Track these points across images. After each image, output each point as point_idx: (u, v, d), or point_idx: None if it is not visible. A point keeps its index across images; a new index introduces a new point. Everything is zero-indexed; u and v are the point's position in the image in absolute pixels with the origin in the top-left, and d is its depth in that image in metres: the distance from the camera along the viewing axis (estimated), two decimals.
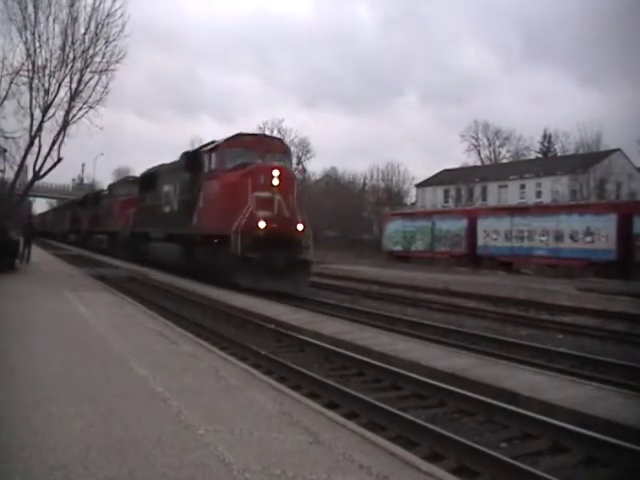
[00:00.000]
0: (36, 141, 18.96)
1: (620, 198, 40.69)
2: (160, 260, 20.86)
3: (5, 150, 19.83)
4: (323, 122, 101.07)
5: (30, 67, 18.39)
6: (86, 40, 18.74)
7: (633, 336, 10.49)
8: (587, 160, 46.31)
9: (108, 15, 18.56)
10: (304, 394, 5.72)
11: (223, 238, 14.79)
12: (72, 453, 3.50)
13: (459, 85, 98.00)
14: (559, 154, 61.64)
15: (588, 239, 25.28)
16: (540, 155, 64.32)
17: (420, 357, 7.28)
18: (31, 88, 18.49)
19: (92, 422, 4.10)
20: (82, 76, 18.84)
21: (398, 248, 38.21)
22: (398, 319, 11.51)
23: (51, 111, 18.84)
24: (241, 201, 14.50)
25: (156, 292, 15.60)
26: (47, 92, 18.69)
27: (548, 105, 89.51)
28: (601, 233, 24.68)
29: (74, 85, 18.87)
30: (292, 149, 32.25)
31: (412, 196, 63.71)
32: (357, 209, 57.24)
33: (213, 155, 16.64)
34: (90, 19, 18.66)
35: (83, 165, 75.72)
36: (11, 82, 18.48)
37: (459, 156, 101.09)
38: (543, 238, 27.63)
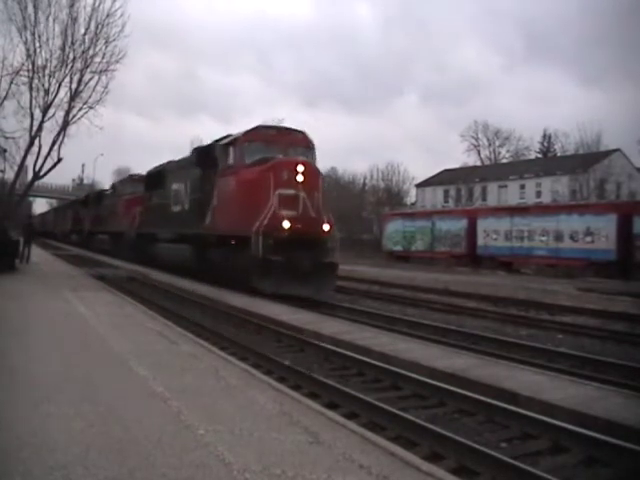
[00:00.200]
0: (36, 141, 18.98)
1: (620, 198, 40.69)
2: (169, 262, 19.83)
3: (5, 150, 19.85)
4: (323, 122, 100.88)
5: (30, 67, 18.42)
6: (86, 40, 18.77)
7: (633, 336, 10.49)
8: (587, 160, 46.32)
9: (108, 15, 18.59)
10: (304, 394, 5.72)
11: (241, 239, 13.78)
12: (72, 453, 3.50)
13: (459, 85, 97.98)
14: (559, 154, 61.64)
15: (588, 239, 25.28)
16: (540, 155, 64.31)
17: (420, 357, 7.28)
18: (31, 88, 18.52)
19: (92, 422, 4.10)
20: (82, 76, 18.87)
21: (398, 248, 38.21)
22: (398, 319, 11.51)
23: (51, 111, 18.87)
24: (262, 199, 13.34)
25: (156, 292, 15.61)
26: (47, 92, 18.71)
27: (548, 105, 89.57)
28: (601, 233, 24.68)
29: (74, 85, 18.90)
30: None
31: (412, 196, 63.75)
32: (357, 209, 57.22)
33: (230, 149, 15.30)
34: (90, 19, 18.69)
35: (83, 165, 75.77)
36: (11, 82, 18.51)
37: (459, 156, 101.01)
38: (543, 238, 27.62)
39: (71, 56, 18.73)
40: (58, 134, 18.93)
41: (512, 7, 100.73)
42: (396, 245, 38.60)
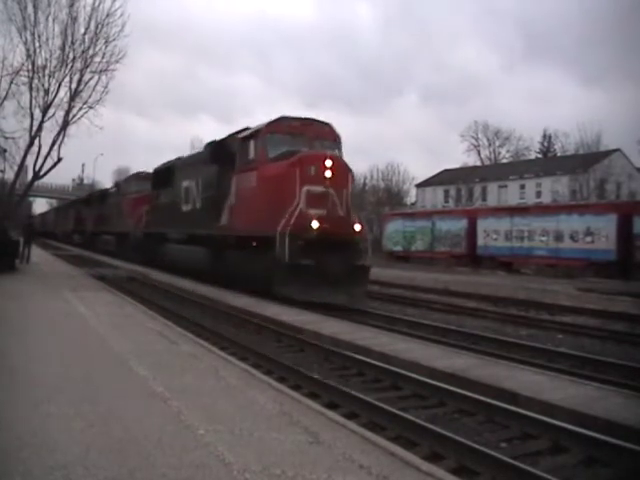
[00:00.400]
0: (36, 141, 19.01)
1: (620, 198, 40.69)
2: (180, 264, 18.66)
3: (5, 150, 19.87)
4: None
5: (30, 67, 18.44)
6: (86, 40, 18.80)
7: (633, 336, 10.49)
8: (587, 160, 46.31)
9: (108, 15, 18.62)
10: (304, 394, 5.72)
11: (264, 240, 12.66)
12: (72, 453, 3.50)
13: (459, 85, 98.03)
14: (559, 154, 61.66)
15: (588, 239, 25.27)
16: (540, 155, 64.33)
17: (420, 357, 7.28)
18: (31, 88, 18.53)
19: (92, 422, 4.10)
20: (82, 76, 18.89)
21: (398, 248, 38.19)
22: (398, 319, 11.51)
23: (51, 111, 18.89)
24: (287, 196, 12.23)
25: (156, 292, 15.61)
26: (47, 92, 18.73)
27: (548, 105, 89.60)
28: (601, 233, 24.66)
29: (74, 85, 18.92)
30: None
31: (412, 196, 63.76)
32: (357, 209, 57.17)
33: (251, 143, 14.06)
34: (90, 19, 18.72)
35: (83, 165, 75.80)
36: (11, 82, 18.53)
37: (459, 156, 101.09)
38: (543, 238, 27.61)
39: (71, 56, 18.77)
40: (58, 134, 18.97)
41: (512, 7, 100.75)
42: (396, 245, 38.58)
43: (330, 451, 3.75)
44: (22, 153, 19.40)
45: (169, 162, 21.81)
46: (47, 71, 18.65)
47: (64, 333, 7.96)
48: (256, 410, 4.59)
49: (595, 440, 4.58)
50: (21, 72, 18.43)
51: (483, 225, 31.26)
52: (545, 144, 65.39)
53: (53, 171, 20.01)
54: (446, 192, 55.71)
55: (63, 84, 18.89)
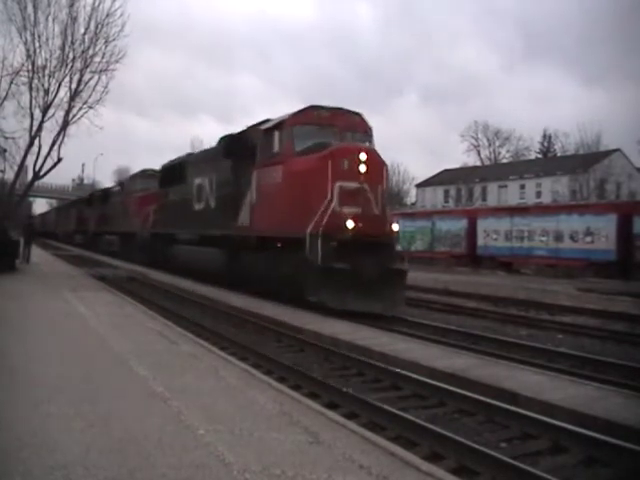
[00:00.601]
0: (36, 141, 19.04)
1: (620, 198, 40.69)
2: (191, 266, 17.62)
3: (5, 150, 19.88)
4: None
5: (30, 67, 18.47)
6: (86, 40, 18.83)
7: (633, 336, 10.49)
8: (587, 160, 46.34)
9: (108, 15, 18.66)
10: (304, 394, 5.72)
11: (291, 241, 11.67)
12: (72, 453, 3.50)
13: (459, 85, 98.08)
14: (559, 154, 61.70)
15: (588, 239, 25.25)
16: (540, 155, 64.38)
17: (420, 357, 7.28)
18: (31, 88, 18.56)
19: (92, 422, 4.10)
20: (82, 76, 18.92)
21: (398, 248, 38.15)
22: (398, 319, 11.50)
23: (51, 111, 18.92)
24: (318, 193, 11.16)
25: (156, 292, 15.61)
26: (47, 92, 18.75)
27: (549, 105, 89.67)
28: (601, 233, 24.64)
29: (74, 85, 18.95)
30: None
31: (412, 196, 63.84)
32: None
33: (275, 135, 12.86)
34: (90, 19, 18.76)
35: (83, 165, 75.89)
36: (11, 82, 18.56)
37: (459, 156, 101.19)
38: (543, 238, 27.59)
39: (71, 56, 18.80)
40: (58, 134, 18.99)
41: (512, 7, 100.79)
42: None
43: (330, 451, 3.75)
44: (22, 153, 19.45)
45: (178, 158, 20.89)
46: (47, 71, 18.70)
47: (64, 333, 7.96)
48: (256, 410, 4.59)
49: (595, 440, 4.58)
50: (21, 72, 18.48)
51: (483, 225, 31.25)
52: (545, 144, 65.49)
53: (53, 171, 20.07)
54: (446, 192, 55.74)
55: (63, 84, 18.94)
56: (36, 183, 22.07)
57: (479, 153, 68.09)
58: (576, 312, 13.39)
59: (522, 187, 51.01)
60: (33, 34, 18.49)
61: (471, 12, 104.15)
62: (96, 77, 19.03)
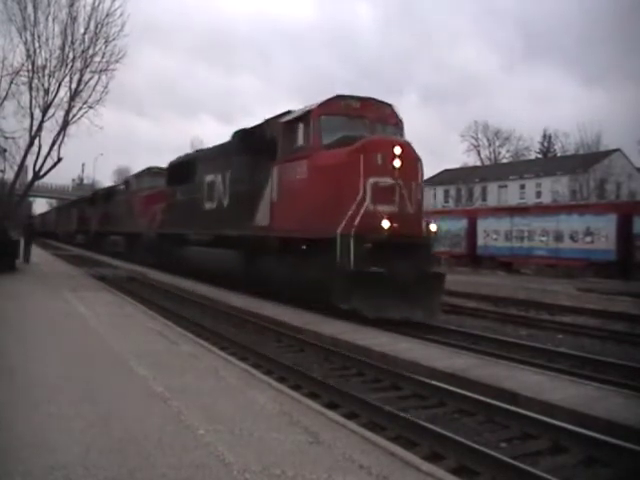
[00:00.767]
0: (36, 141, 19.04)
1: (620, 198, 40.69)
2: (204, 269, 16.69)
3: (5, 150, 19.88)
4: None
5: (30, 67, 18.47)
6: (86, 40, 18.83)
7: (633, 336, 10.49)
8: (587, 160, 46.35)
9: (107, 15, 18.65)
10: (304, 394, 5.72)
11: (319, 243, 10.75)
12: (72, 453, 3.50)
13: (459, 85, 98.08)
14: (559, 154, 61.72)
15: (588, 239, 25.25)
16: (540, 155, 64.40)
17: (420, 357, 7.28)
18: (31, 88, 18.56)
19: (92, 422, 4.10)
20: (82, 76, 18.92)
21: None
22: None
23: (51, 111, 18.92)
24: (349, 190, 10.26)
25: (156, 292, 15.61)
26: (47, 92, 18.75)
27: (549, 105, 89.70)
28: (601, 233, 24.64)
29: (74, 85, 18.95)
30: None
31: None
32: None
33: (299, 127, 11.90)
34: (90, 19, 18.76)
35: (83, 165, 76.00)
36: (11, 82, 18.56)
37: (459, 156, 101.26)
38: (543, 238, 27.59)
39: (71, 56, 18.80)
40: (58, 134, 18.99)
41: (512, 7, 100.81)
42: None
43: (330, 451, 3.75)
44: (22, 153, 19.45)
45: (188, 155, 19.87)
46: (47, 71, 18.70)
47: (64, 333, 7.96)
48: (256, 410, 4.59)
49: (595, 440, 4.58)
50: (21, 72, 18.48)
51: (483, 225, 31.26)
52: (545, 144, 65.52)
53: (53, 171, 20.07)
54: (446, 192, 55.75)
55: (63, 84, 18.94)
56: (36, 183, 22.07)
57: (479, 153, 68.17)
58: (576, 312, 13.39)
59: (522, 187, 51.02)
60: (33, 34, 18.52)
61: (471, 12, 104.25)
62: (96, 77, 19.06)
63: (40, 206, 79.23)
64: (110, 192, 33.46)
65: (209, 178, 16.37)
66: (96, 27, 18.71)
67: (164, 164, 23.77)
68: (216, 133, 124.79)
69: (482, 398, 5.68)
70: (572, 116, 74.07)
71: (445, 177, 57.18)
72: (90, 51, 18.80)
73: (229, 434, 3.97)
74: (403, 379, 6.61)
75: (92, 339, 7.50)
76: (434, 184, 58.23)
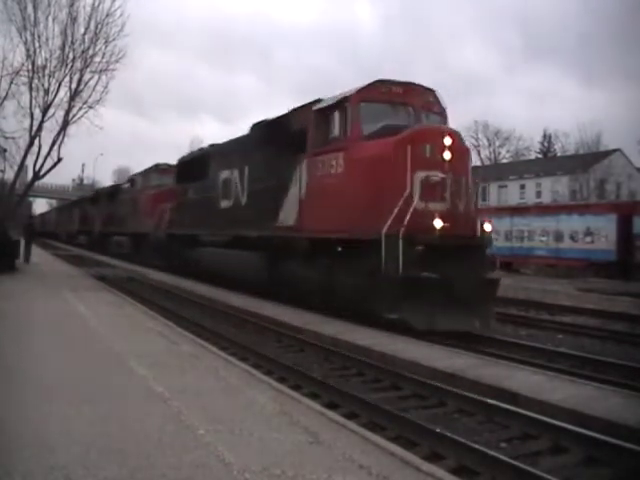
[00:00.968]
0: (36, 141, 19.05)
1: (620, 198, 40.71)
2: (220, 272, 15.48)
3: (5, 150, 19.88)
4: None
5: (30, 67, 18.49)
6: (86, 40, 18.86)
7: (633, 336, 10.49)
8: (587, 160, 46.35)
9: (108, 15, 18.69)
10: (304, 394, 5.72)
11: (358, 244, 9.64)
12: (72, 453, 3.50)
13: (459, 85, 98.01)
14: (559, 154, 61.75)
15: (588, 239, 25.25)
16: (540, 155, 64.42)
17: (420, 357, 7.28)
18: (31, 88, 18.58)
19: (92, 422, 4.10)
20: (82, 76, 18.94)
21: None
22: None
23: (51, 111, 18.94)
24: (394, 185, 9.19)
25: (156, 292, 15.61)
26: (47, 92, 18.77)
27: (549, 105, 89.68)
28: (601, 233, 24.65)
29: (74, 85, 18.97)
30: None
31: None
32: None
33: (335, 115, 10.67)
34: (90, 19, 18.79)
35: (83, 165, 76.09)
36: (11, 82, 18.58)
37: None
38: (543, 238, 27.60)
39: (71, 56, 18.82)
40: (58, 134, 19.00)
41: (512, 7, 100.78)
42: None
43: (330, 451, 3.76)
44: (22, 153, 19.46)
45: (199, 151, 18.86)
46: (47, 71, 18.72)
47: (64, 333, 7.96)
48: (256, 410, 4.59)
49: (595, 440, 4.58)
50: (21, 72, 18.50)
51: None
52: (545, 144, 65.55)
53: (53, 171, 20.09)
54: None
55: (63, 84, 18.96)
56: (36, 183, 22.08)
57: (479, 153, 68.09)
58: (576, 312, 13.39)
59: (522, 187, 51.02)
60: (33, 34, 18.54)
61: (471, 12, 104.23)
62: (96, 77, 19.09)
63: (40, 206, 79.46)
64: (114, 191, 32.46)
65: (224, 175, 15.26)
66: (96, 27, 18.76)
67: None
68: (216, 133, 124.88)
69: (482, 398, 5.68)
70: (572, 116, 74.43)
71: None
72: (90, 51, 18.86)
73: (229, 434, 3.97)
74: (403, 379, 6.61)
75: (92, 339, 7.50)
76: None
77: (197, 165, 17.49)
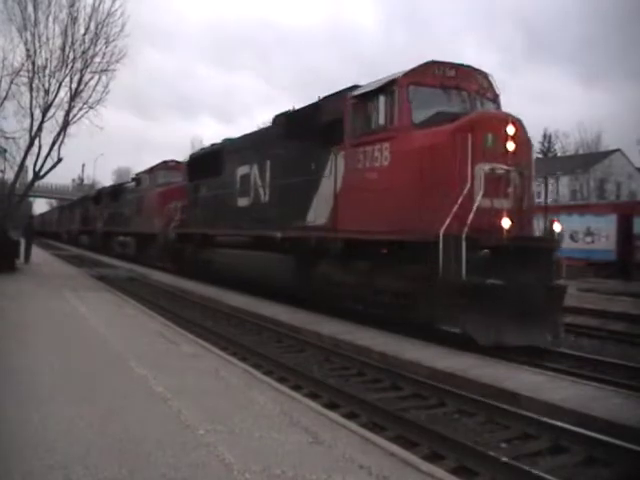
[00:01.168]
0: (36, 141, 19.03)
1: (620, 198, 40.72)
2: (239, 276, 14.43)
3: (5, 150, 19.86)
4: None
5: (30, 67, 18.48)
6: (86, 40, 18.82)
7: (633, 336, 10.48)
8: (587, 160, 46.37)
9: (108, 15, 18.65)
10: (304, 394, 5.72)
11: (409, 246, 8.66)
12: (72, 453, 3.50)
13: None
14: (559, 154, 61.73)
15: (588, 239, 25.26)
16: (540, 155, 64.38)
17: (420, 357, 7.28)
18: (31, 88, 18.56)
19: (92, 422, 4.10)
20: (82, 76, 18.92)
21: None
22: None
23: (51, 111, 18.91)
24: (451, 179, 8.18)
25: (156, 292, 15.61)
26: (47, 92, 18.75)
27: (549, 105, 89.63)
28: (601, 233, 24.66)
29: (74, 85, 18.94)
30: None
31: None
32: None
33: (380, 101, 9.55)
34: (90, 19, 18.75)
35: (83, 165, 76.06)
36: (11, 82, 18.58)
37: None
38: None
39: (71, 56, 18.79)
40: (58, 134, 18.98)
41: (513, 6, 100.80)
42: None
43: (330, 451, 3.76)
44: (22, 153, 19.43)
45: (212, 146, 17.78)
46: (47, 71, 18.70)
47: (64, 333, 7.96)
48: (256, 410, 4.59)
49: (595, 440, 4.58)
50: (21, 72, 18.50)
51: None
52: (545, 144, 65.46)
53: (53, 171, 20.05)
54: None
55: (63, 84, 18.94)
56: (36, 183, 22.07)
57: None
58: (576, 312, 13.38)
59: None
60: (33, 34, 18.52)
61: (472, 12, 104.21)
62: (96, 77, 19.07)
63: (40, 206, 79.44)
64: (118, 189, 31.49)
65: (242, 170, 14.25)
66: (96, 27, 18.74)
67: None
68: (216, 133, 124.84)
69: (482, 398, 5.68)
70: (572, 116, 74.23)
71: None
72: (90, 51, 18.83)
73: (229, 434, 3.97)
74: (403, 379, 6.61)
75: (92, 339, 7.50)
76: None
77: (211, 161, 16.38)
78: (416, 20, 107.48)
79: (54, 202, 75.66)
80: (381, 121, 9.54)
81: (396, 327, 9.10)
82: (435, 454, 4.48)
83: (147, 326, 8.81)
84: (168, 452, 3.58)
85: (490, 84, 10.04)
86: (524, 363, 7.37)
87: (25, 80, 18.51)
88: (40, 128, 18.82)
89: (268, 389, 5.33)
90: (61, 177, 59.66)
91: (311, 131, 11.17)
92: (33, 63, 18.48)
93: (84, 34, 18.78)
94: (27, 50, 18.45)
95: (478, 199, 8.00)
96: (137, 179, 27.95)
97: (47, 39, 18.66)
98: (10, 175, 21.47)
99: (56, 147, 19.05)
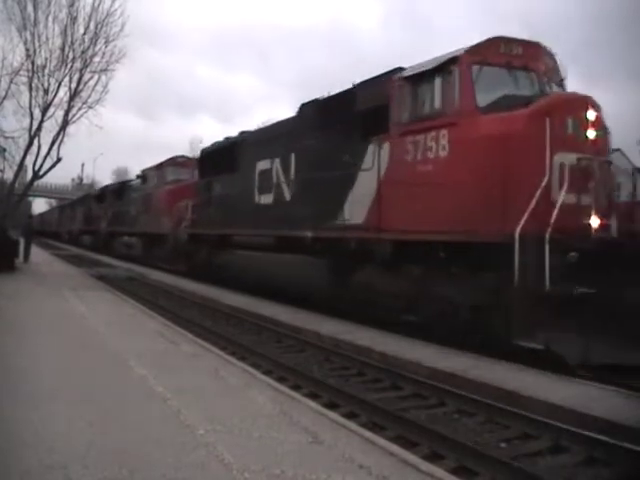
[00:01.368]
0: (35, 141, 19.02)
1: (620, 198, 40.69)
2: (261, 280, 13.22)
3: (5, 150, 19.85)
4: None
5: (30, 67, 18.47)
6: (86, 40, 18.82)
7: None
8: None
9: (107, 15, 18.64)
10: (304, 394, 5.72)
11: (473, 248, 7.57)
12: (72, 453, 3.49)
13: None
14: None
15: None
16: None
17: (421, 357, 7.27)
18: (31, 88, 18.55)
19: (92, 422, 4.09)
20: (82, 76, 18.91)
21: None
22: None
23: (51, 111, 18.91)
24: (526, 171, 7.13)
25: (156, 292, 15.60)
26: (47, 92, 18.74)
27: None
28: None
29: (74, 85, 18.93)
30: None
31: None
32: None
33: (437, 82, 8.40)
34: (90, 19, 18.74)
35: (83, 165, 75.99)
36: (11, 82, 18.57)
37: None
38: None
39: (71, 56, 18.78)
40: (58, 134, 18.97)
41: (513, 6, 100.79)
42: None
43: (330, 451, 3.75)
44: (22, 153, 19.43)
45: (227, 139, 16.46)
46: (47, 71, 18.69)
47: (64, 333, 7.95)
48: (256, 410, 4.58)
49: (595, 440, 4.58)
50: (21, 72, 18.49)
51: None
52: None
53: (52, 171, 20.04)
54: None
55: (63, 84, 18.93)
56: (35, 183, 22.06)
57: None
58: None
59: None
60: (33, 34, 18.51)
61: (472, 11, 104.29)
62: (96, 77, 19.06)
63: (40, 206, 79.39)
64: (123, 187, 29.98)
65: (262, 165, 13.08)
66: (96, 27, 18.72)
67: None
68: (216, 133, 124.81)
69: (482, 398, 5.67)
70: None
71: None
72: (90, 51, 18.82)
73: (229, 434, 3.97)
74: (403, 379, 6.60)
75: (92, 339, 7.49)
76: None
77: (225, 156, 15.24)
78: (416, 19, 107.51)
79: (53, 202, 75.63)
80: (437, 105, 8.36)
81: (396, 327, 9.08)
82: (435, 454, 4.48)
83: (147, 326, 8.80)
84: (168, 452, 3.57)
85: (556, 64, 9.00)
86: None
87: (24, 79, 18.54)
88: (39, 127, 18.83)
89: (268, 389, 5.33)
90: (60, 177, 59.54)
91: (345, 120, 10.13)
92: (32, 63, 18.49)
93: (84, 34, 18.80)
94: (27, 50, 18.47)
95: (562, 194, 6.99)
96: (143, 176, 26.20)
97: (47, 39, 18.68)
98: (9, 174, 21.48)
99: (55, 147, 19.06)
